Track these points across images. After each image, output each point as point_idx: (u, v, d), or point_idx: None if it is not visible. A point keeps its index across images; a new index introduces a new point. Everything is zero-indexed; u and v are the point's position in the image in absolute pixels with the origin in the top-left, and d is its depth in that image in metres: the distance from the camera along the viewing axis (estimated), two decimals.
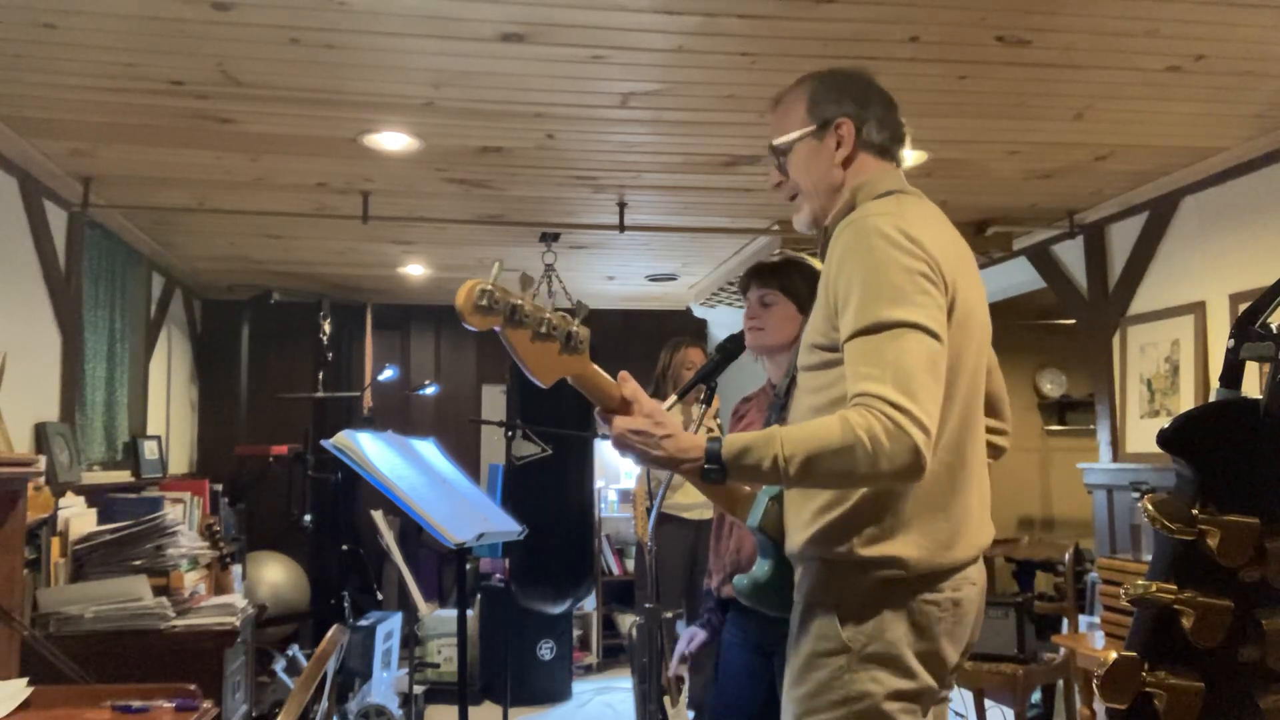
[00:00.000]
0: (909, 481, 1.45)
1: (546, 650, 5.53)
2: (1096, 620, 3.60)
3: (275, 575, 5.61)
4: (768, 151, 1.76)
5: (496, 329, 1.40)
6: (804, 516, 1.59)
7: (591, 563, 5.07)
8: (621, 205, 4.31)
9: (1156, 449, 1.45)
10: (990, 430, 1.76)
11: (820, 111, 1.68)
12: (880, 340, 1.43)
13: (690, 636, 2.54)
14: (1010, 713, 3.86)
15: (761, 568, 1.75)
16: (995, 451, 1.81)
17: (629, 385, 1.55)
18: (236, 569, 4.38)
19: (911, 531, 1.51)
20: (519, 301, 1.40)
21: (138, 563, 3.37)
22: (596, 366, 1.54)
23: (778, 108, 1.76)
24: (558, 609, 5.10)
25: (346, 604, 4.91)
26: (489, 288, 1.36)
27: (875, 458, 1.37)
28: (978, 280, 1.63)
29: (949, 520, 1.54)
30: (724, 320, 6.78)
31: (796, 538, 1.61)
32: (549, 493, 4.71)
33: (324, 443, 2.90)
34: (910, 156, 3.58)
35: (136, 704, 2.31)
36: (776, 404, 2.23)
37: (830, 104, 1.68)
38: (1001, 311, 1.73)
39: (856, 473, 1.40)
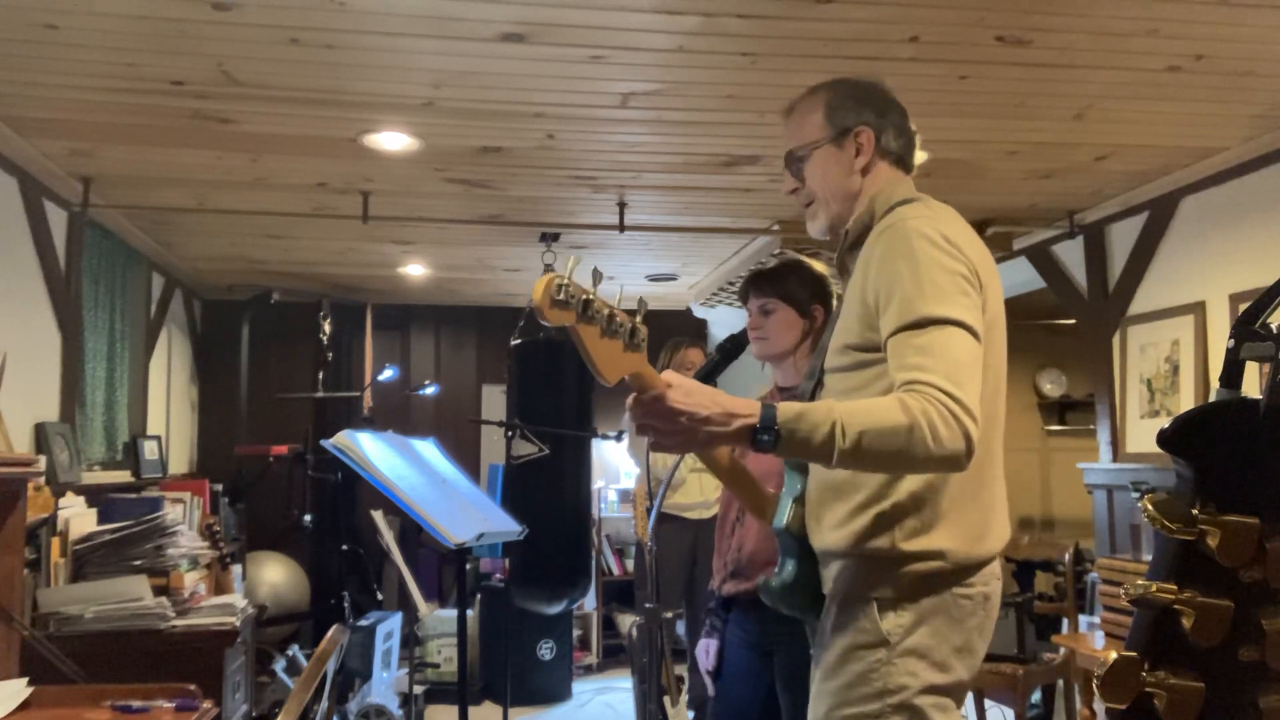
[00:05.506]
0: (954, 469, 1.44)
1: (546, 650, 5.53)
2: (1096, 620, 3.60)
3: (275, 575, 5.62)
4: (784, 158, 1.77)
5: (569, 325, 1.38)
6: (839, 514, 1.61)
7: (587, 564, 5.05)
8: (621, 205, 4.31)
9: (1156, 449, 1.46)
10: None
11: (839, 119, 1.71)
12: (928, 335, 1.46)
13: (706, 650, 2.53)
14: (1010, 713, 3.86)
15: (787, 568, 1.74)
16: None
17: (672, 376, 1.49)
18: (236, 569, 4.38)
19: (949, 523, 1.55)
20: (590, 297, 1.39)
21: (138, 563, 3.37)
22: (652, 367, 1.49)
23: (792, 115, 1.77)
24: (553, 610, 5.10)
25: (346, 604, 4.91)
26: (565, 282, 1.34)
27: (930, 441, 1.37)
28: (999, 283, 1.67)
29: (980, 512, 1.58)
30: (724, 320, 6.77)
31: (832, 536, 1.62)
32: (545, 493, 4.71)
33: (324, 443, 2.90)
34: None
35: (136, 704, 2.32)
36: None
37: (849, 112, 1.71)
38: None
39: (908, 453, 1.38)
